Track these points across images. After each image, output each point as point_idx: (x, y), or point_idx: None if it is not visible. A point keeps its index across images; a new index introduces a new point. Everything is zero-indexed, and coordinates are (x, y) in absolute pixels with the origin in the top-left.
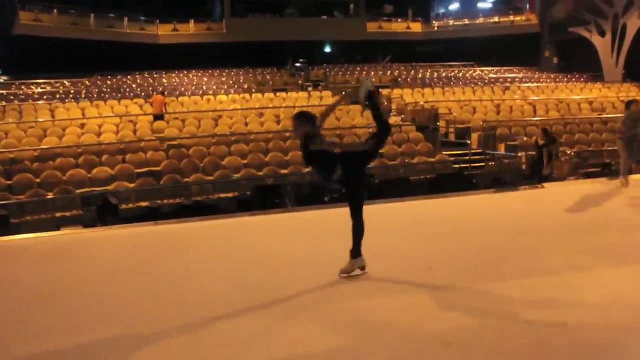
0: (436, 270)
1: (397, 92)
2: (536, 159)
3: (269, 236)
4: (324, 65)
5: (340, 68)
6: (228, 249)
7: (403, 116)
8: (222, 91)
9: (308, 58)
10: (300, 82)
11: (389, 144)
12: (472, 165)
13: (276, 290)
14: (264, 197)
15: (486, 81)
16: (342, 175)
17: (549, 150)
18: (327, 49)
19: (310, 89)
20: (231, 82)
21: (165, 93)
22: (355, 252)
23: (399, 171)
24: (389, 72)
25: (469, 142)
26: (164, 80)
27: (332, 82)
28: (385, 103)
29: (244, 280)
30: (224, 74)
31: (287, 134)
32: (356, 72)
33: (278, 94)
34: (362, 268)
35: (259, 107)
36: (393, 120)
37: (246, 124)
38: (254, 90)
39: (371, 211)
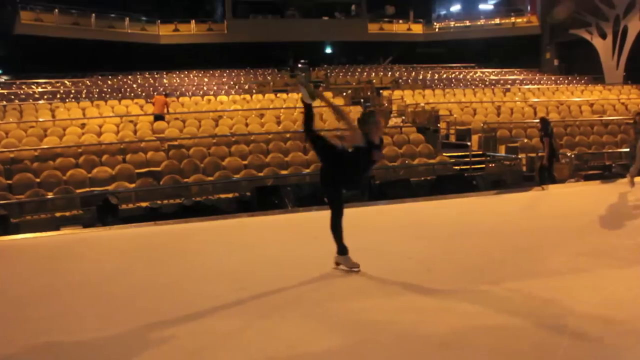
0: (436, 271)
1: (397, 93)
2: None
3: (269, 236)
4: (325, 66)
5: (341, 69)
6: (228, 249)
7: (403, 117)
8: (223, 91)
9: (309, 59)
10: None
11: (389, 144)
12: (473, 166)
13: (275, 291)
14: (263, 197)
15: (487, 83)
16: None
17: (550, 142)
18: (328, 50)
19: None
20: (232, 83)
21: (167, 93)
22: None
23: (400, 172)
24: (390, 73)
25: (469, 143)
26: (165, 81)
27: (333, 83)
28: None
29: (244, 280)
30: (225, 75)
31: (288, 135)
32: (357, 73)
33: (278, 95)
34: (338, 264)
35: (259, 108)
36: (393, 121)
37: (246, 125)
38: (254, 91)
39: (371, 212)
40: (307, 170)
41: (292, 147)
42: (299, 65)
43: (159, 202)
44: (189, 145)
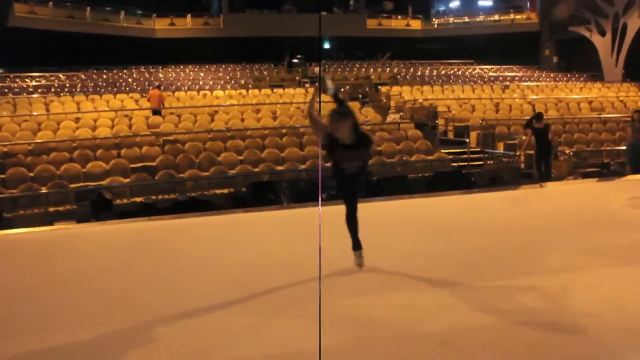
0: (432, 269)
1: (396, 89)
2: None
3: (264, 232)
4: (323, 61)
5: (339, 64)
6: (223, 245)
7: (402, 113)
8: (219, 86)
9: (306, 54)
10: (297, 78)
11: (387, 140)
12: (471, 163)
13: (271, 287)
14: (259, 193)
15: (485, 79)
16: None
17: (540, 137)
18: (326, 45)
19: (307, 85)
20: (228, 78)
21: (162, 87)
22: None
23: (397, 168)
24: (388, 69)
25: (467, 140)
26: (160, 75)
27: (331, 79)
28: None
29: (238, 276)
30: (221, 69)
31: (284, 130)
32: (355, 69)
33: (275, 90)
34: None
35: (255, 103)
36: (391, 117)
37: (242, 120)
38: (250, 86)
39: (369, 208)
40: (303, 166)
41: (288, 143)
42: (295, 61)
43: (153, 197)
44: (184, 140)
